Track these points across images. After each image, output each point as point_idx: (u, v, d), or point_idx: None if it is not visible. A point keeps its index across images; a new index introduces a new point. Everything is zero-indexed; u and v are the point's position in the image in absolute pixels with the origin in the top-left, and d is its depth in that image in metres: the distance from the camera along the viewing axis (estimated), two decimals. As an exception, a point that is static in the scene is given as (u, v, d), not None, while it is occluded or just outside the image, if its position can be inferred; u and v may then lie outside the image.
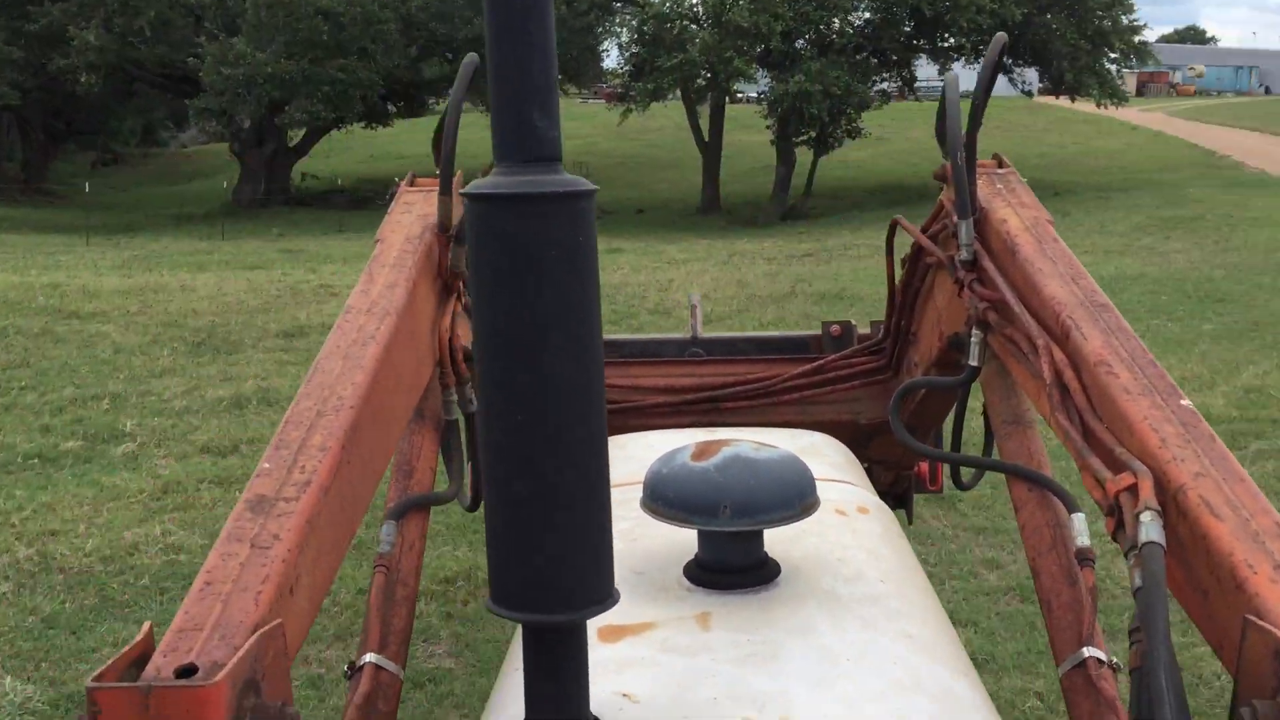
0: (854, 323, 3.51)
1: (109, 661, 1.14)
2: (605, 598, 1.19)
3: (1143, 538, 1.43)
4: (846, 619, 1.53)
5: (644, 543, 1.71)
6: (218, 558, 1.35)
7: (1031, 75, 34.60)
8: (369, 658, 1.70)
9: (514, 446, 1.13)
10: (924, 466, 3.64)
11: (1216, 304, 12.74)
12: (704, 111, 33.98)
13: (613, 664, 1.40)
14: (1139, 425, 1.60)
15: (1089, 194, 27.38)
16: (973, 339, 2.23)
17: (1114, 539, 1.54)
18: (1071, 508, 1.87)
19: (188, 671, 1.14)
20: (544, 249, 1.09)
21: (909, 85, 34.87)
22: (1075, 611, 1.76)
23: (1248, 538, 1.37)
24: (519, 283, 1.09)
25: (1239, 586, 1.32)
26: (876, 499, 2.21)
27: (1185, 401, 1.65)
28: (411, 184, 2.56)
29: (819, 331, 3.53)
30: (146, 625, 1.21)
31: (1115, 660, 1.70)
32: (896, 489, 3.59)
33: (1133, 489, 1.51)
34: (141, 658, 1.18)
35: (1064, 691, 1.70)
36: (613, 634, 1.45)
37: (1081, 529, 1.78)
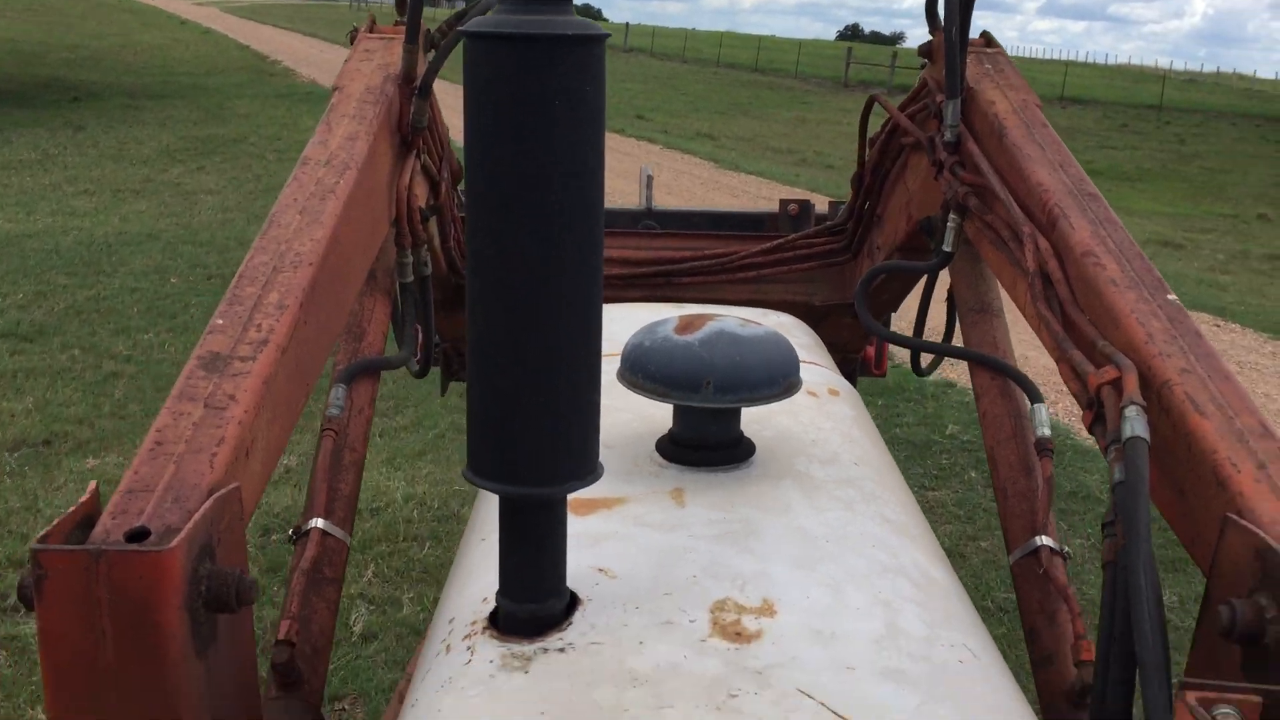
0: (812, 202, 3.54)
1: (53, 523, 1.05)
2: (589, 472, 1.12)
3: (1127, 432, 1.39)
4: (823, 500, 1.50)
5: (613, 416, 1.57)
6: (169, 416, 1.28)
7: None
8: (316, 523, 1.70)
9: (504, 308, 1.04)
10: (870, 351, 3.63)
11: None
12: None
13: (586, 538, 1.34)
14: (1125, 318, 1.58)
15: (118, 100, 22.65)
16: (949, 224, 2.20)
17: (1090, 432, 1.53)
18: (1034, 397, 1.91)
19: (139, 535, 1.08)
20: (550, 95, 0.99)
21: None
22: (1030, 501, 1.83)
23: (1232, 436, 1.36)
24: (520, 132, 0.99)
25: (1221, 485, 1.31)
26: (845, 382, 2.11)
27: (1172, 296, 1.63)
28: (371, 30, 2.45)
29: (776, 209, 3.56)
30: (92, 485, 1.12)
31: (1066, 549, 1.74)
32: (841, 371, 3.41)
33: (1116, 383, 1.49)
34: (87, 519, 1.10)
35: (1014, 578, 1.76)
36: (585, 507, 1.41)
37: (1043, 419, 1.85)
